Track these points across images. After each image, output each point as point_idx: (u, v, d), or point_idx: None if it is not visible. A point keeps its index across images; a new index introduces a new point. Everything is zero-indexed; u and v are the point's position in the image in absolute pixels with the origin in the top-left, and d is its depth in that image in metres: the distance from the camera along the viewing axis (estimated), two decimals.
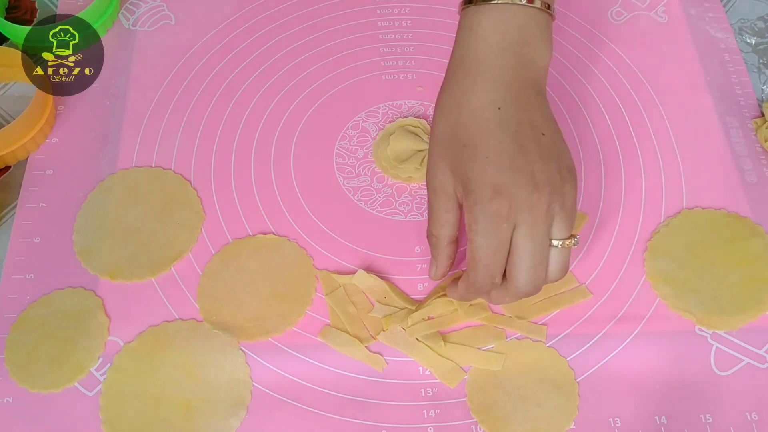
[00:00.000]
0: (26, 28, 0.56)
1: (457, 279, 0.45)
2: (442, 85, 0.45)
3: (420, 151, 0.53)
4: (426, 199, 0.52)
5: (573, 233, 0.42)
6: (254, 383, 0.46)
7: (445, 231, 0.44)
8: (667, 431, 0.45)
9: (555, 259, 0.42)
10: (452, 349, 0.47)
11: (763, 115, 0.56)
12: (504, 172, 0.41)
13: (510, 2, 0.44)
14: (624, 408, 0.45)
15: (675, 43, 0.60)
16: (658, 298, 0.49)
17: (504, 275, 0.42)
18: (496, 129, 0.42)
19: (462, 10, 0.46)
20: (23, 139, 0.53)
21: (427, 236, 0.46)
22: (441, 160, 0.43)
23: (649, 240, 0.51)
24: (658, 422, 0.45)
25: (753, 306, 0.48)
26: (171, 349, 0.47)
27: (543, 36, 0.45)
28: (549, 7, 0.45)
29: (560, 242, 0.42)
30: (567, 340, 0.47)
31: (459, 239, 0.46)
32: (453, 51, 0.46)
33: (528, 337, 0.47)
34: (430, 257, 0.47)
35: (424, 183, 0.53)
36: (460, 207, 0.43)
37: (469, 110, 0.43)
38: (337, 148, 0.55)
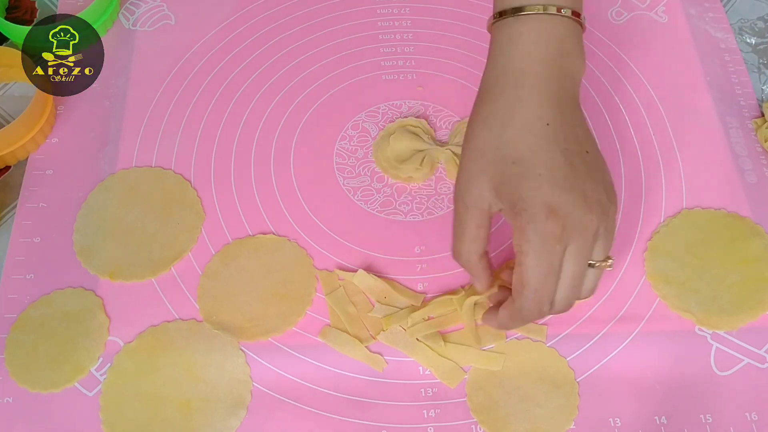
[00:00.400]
0: (26, 28, 0.56)
1: (494, 306, 0.45)
2: (481, 97, 0.44)
3: (420, 151, 0.53)
4: (426, 198, 0.52)
5: (609, 255, 0.42)
6: (254, 383, 0.46)
7: (476, 247, 0.43)
8: (667, 431, 0.45)
9: (590, 278, 0.42)
10: (452, 349, 0.47)
11: (763, 115, 0.56)
12: (559, 191, 0.39)
13: (547, 12, 0.43)
14: (624, 408, 0.45)
15: (675, 43, 0.60)
16: (658, 298, 0.49)
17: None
18: (546, 146, 0.40)
19: (494, 23, 0.45)
20: (23, 139, 0.53)
21: (455, 254, 0.44)
22: (481, 174, 0.41)
23: (649, 240, 0.51)
24: (658, 422, 0.45)
25: (753, 306, 0.48)
26: (171, 349, 0.47)
27: (578, 47, 0.44)
28: (579, 16, 0.44)
29: (598, 263, 0.41)
30: (567, 340, 0.47)
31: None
32: (490, 62, 0.44)
33: (528, 337, 0.47)
34: (430, 257, 0.48)
35: (424, 183, 0.53)
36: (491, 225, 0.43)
37: (516, 125, 0.41)
38: (337, 148, 0.55)
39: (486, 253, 0.44)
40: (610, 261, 0.42)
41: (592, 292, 0.43)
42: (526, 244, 0.39)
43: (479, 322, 0.47)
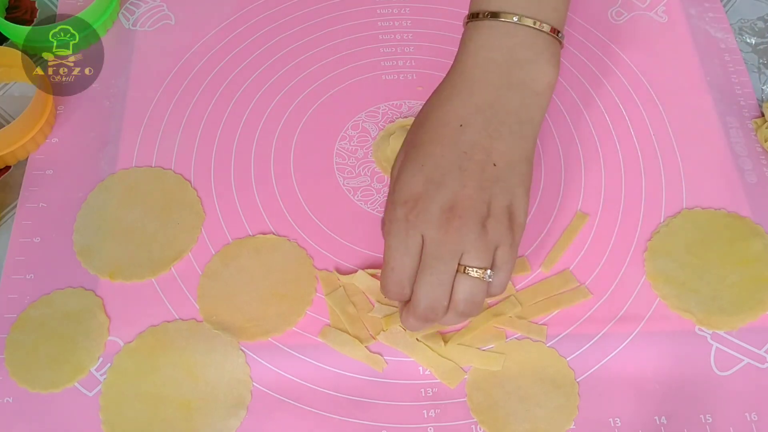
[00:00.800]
0: (26, 28, 0.56)
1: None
2: (436, 89, 0.46)
3: None
4: None
5: (488, 267, 0.41)
6: (254, 383, 0.46)
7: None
8: (667, 431, 0.45)
9: (462, 287, 0.41)
10: (452, 349, 0.47)
11: (763, 115, 0.56)
12: (429, 184, 0.41)
13: (506, 21, 0.44)
14: (624, 408, 0.45)
15: (675, 43, 0.60)
16: (658, 298, 0.49)
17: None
18: (447, 144, 0.42)
19: (465, 24, 0.46)
20: (23, 139, 0.53)
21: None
22: (402, 151, 0.45)
23: (649, 240, 0.51)
24: (658, 422, 0.45)
25: (753, 306, 0.48)
26: (171, 349, 0.47)
27: (540, 58, 0.44)
28: (556, 31, 0.44)
29: (473, 269, 0.41)
30: (567, 340, 0.47)
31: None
32: (453, 63, 0.46)
33: (528, 337, 0.47)
34: None
35: None
36: None
37: (435, 119, 0.43)
38: (337, 148, 0.55)
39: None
40: (485, 272, 0.41)
41: (469, 304, 0.41)
42: (388, 224, 0.42)
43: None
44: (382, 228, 0.46)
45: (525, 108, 0.43)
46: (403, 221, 0.41)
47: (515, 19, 0.43)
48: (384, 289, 0.43)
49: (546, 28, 0.44)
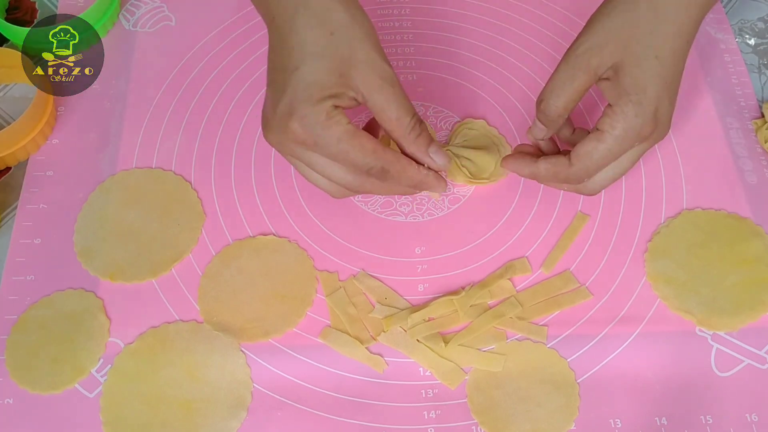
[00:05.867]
0: (26, 29, 0.56)
1: (522, 154, 0.48)
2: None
3: None
4: (427, 200, 0.52)
5: None
6: (255, 384, 0.46)
7: (572, 105, 0.45)
8: None
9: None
10: (453, 350, 0.47)
11: (763, 115, 0.56)
12: (667, 101, 0.43)
13: None
14: (624, 409, 0.45)
15: None
16: (659, 299, 0.49)
17: None
18: (682, 62, 0.44)
19: None
20: (24, 140, 0.53)
21: (544, 104, 0.45)
22: (620, 44, 0.43)
23: (650, 241, 0.51)
24: (658, 423, 0.45)
25: (753, 307, 0.48)
26: (171, 351, 0.47)
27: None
28: None
29: None
30: (567, 341, 0.47)
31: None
32: None
33: (528, 338, 0.47)
34: (430, 258, 0.47)
35: None
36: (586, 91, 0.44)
37: (674, 26, 0.43)
38: None
39: (568, 114, 0.46)
40: None
41: (602, 188, 0.46)
42: (620, 129, 0.42)
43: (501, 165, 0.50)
44: (542, 104, 0.45)
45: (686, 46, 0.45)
46: (638, 134, 0.43)
47: None
48: (570, 175, 0.45)
49: None
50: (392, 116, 0.42)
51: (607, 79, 0.43)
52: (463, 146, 0.53)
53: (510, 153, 0.52)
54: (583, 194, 0.47)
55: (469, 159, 0.52)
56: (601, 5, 0.45)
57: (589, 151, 0.43)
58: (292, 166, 0.54)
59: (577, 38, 0.45)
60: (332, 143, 0.41)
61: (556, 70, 0.45)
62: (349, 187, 0.44)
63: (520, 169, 0.48)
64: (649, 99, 0.42)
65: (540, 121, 0.46)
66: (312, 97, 0.40)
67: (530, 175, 0.47)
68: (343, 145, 0.41)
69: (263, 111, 0.43)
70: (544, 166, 0.46)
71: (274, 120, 0.41)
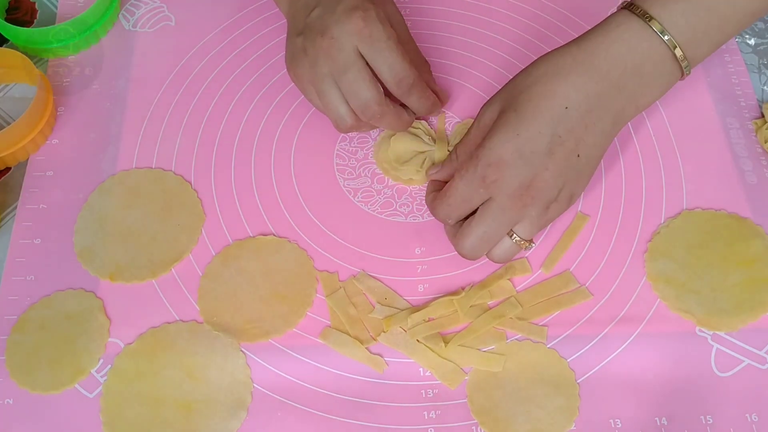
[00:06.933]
0: (26, 29, 0.56)
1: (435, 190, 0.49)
2: (556, 49, 0.46)
3: (421, 152, 0.53)
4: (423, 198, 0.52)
5: (533, 241, 0.47)
6: (255, 385, 0.46)
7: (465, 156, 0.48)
8: None
9: (504, 247, 0.46)
10: (453, 351, 0.47)
11: (763, 115, 0.56)
12: (516, 157, 0.43)
13: (656, 31, 0.44)
14: (624, 409, 0.45)
15: None
16: (659, 299, 0.49)
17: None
18: (546, 122, 0.44)
19: (621, 7, 0.46)
20: (24, 140, 0.53)
21: (452, 150, 0.49)
22: (498, 102, 0.46)
23: (650, 241, 0.51)
24: (658, 423, 0.45)
25: (753, 307, 0.48)
26: (171, 351, 0.47)
27: (659, 81, 0.46)
28: (685, 63, 0.45)
29: (518, 239, 0.46)
30: (567, 341, 0.47)
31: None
32: (588, 31, 0.47)
33: (528, 339, 0.47)
34: (430, 258, 0.47)
35: (425, 185, 0.53)
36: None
37: (546, 87, 0.44)
38: (337, 150, 0.55)
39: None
40: (530, 245, 0.47)
41: (502, 258, 0.47)
42: (464, 170, 0.45)
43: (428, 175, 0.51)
44: (453, 169, 0.48)
45: (622, 113, 0.46)
46: (479, 179, 0.44)
47: (666, 38, 0.44)
48: (432, 210, 0.48)
49: (682, 57, 0.45)
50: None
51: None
52: None
53: None
54: (462, 256, 0.47)
55: None
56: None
57: (445, 189, 0.47)
58: (292, 167, 0.54)
59: None
60: (384, 38, 0.46)
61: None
62: (367, 109, 0.47)
63: (427, 195, 0.50)
64: (492, 143, 0.44)
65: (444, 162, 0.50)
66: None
67: (429, 204, 0.49)
68: (392, 44, 0.46)
69: (302, 21, 0.48)
70: (429, 197, 0.50)
71: (332, 16, 0.46)
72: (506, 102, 0.46)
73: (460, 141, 0.49)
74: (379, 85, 0.47)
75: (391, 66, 0.47)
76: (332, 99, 0.48)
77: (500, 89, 0.47)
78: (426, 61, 0.52)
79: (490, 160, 0.44)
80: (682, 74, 0.46)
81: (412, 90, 0.48)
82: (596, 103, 0.44)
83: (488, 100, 0.47)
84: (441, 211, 0.47)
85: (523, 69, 0.47)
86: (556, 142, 0.44)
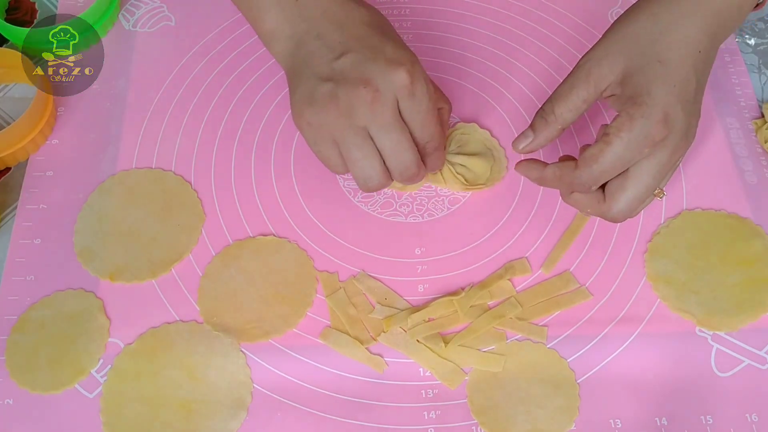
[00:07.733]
0: (26, 30, 0.56)
1: (531, 160, 0.47)
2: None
3: None
4: (427, 200, 0.52)
5: (663, 189, 0.46)
6: (255, 385, 0.46)
7: (569, 116, 0.45)
8: None
9: (647, 201, 0.45)
10: (453, 351, 0.47)
11: (763, 116, 0.56)
12: (680, 107, 0.42)
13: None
14: (624, 409, 0.45)
15: None
16: (659, 300, 0.49)
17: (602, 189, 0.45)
18: (692, 68, 0.43)
19: None
20: (23, 140, 0.53)
21: (542, 111, 0.46)
22: (620, 56, 0.44)
23: (650, 241, 0.51)
24: (658, 423, 0.45)
25: (753, 307, 0.48)
26: (171, 351, 0.47)
27: (745, 15, 0.47)
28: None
29: (657, 190, 0.45)
30: (567, 342, 0.47)
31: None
32: None
33: (528, 339, 0.47)
34: (430, 258, 0.47)
35: (425, 185, 0.53)
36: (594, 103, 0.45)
37: (678, 34, 0.43)
38: None
39: (565, 122, 0.45)
40: (663, 194, 0.45)
41: (629, 214, 0.45)
42: (626, 131, 0.42)
43: (514, 169, 0.49)
44: (545, 115, 0.45)
45: (717, 49, 0.46)
46: (644, 138, 0.42)
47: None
48: (574, 180, 0.44)
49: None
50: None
51: (613, 95, 0.44)
52: (458, 153, 0.53)
53: (502, 156, 0.54)
54: (608, 219, 0.45)
55: (464, 166, 0.52)
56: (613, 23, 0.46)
57: (595, 153, 0.43)
58: (292, 167, 0.54)
59: (583, 55, 0.45)
60: (426, 99, 0.44)
61: (559, 84, 0.45)
62: (406, 171, 0.45)
63: (530, 173, 0.47)
64: (654, 100, 0.42)
65: (532, 126, 0.46)
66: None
67: (538, 180, 0.47)
68: (432, 105, 0.44)
69: (326, 65, 0.44)
70: (551, 170, 0.46)
71: (375, 66, 0.42)
72: (634, 53, 0.43)
73: (556, 98, 0.45)
74: (428, 127, 0.45)
75: (425, 127, 0.45)
76: (365, 155, 0.44)
77: (604, 41, 0.45)
78: (448, 99, 0.49)
79: (656, 116, 0.42)
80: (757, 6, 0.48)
81: (435, 152, 0.46)
82: (713, 44, 0.45)
83: (590, 54, 0.45)
84: (590, 178, 0.43)
85: (633, 16, 0.45)
86: (699, 89, 0.44)
